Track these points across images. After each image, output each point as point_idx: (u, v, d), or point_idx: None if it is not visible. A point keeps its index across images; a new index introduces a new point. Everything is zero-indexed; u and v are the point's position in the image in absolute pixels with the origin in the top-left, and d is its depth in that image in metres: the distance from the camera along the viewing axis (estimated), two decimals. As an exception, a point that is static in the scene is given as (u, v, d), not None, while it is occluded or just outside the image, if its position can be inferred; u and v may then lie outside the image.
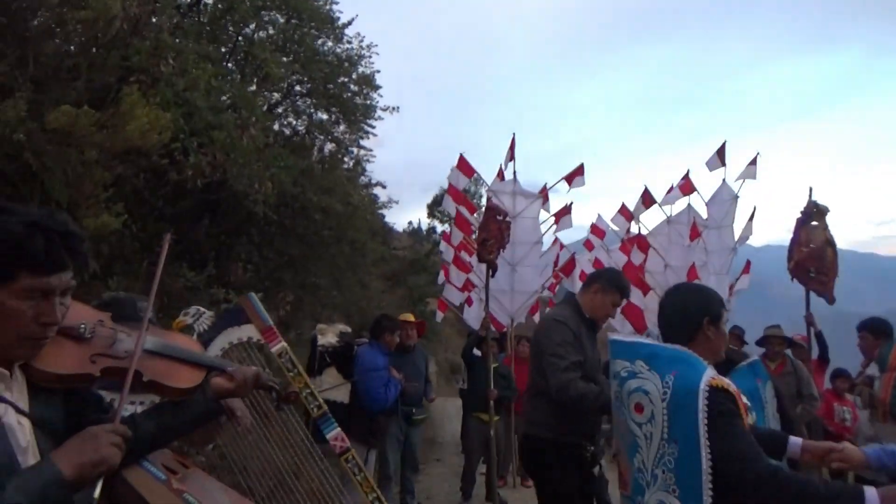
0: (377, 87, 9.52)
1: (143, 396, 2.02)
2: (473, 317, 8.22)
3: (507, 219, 6.17)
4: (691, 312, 2.17)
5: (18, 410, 1.48)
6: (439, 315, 9.60)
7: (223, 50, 8.71)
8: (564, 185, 7.76)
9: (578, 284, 5.80)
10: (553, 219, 8.14)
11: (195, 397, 1.82)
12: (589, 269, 7.36)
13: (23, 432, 1.48)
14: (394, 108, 10.07)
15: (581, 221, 9.18)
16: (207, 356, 1.94)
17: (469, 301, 8.44)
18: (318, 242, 8.31)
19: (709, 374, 1.93)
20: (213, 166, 5.54)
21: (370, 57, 9.55)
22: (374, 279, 12.71)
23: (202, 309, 2.41)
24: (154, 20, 5.55)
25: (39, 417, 1.52)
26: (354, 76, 9.22)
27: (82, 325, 1.65)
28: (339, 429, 2.22)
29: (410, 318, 6.29)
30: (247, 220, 7.69)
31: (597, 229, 8.88)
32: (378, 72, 9.49)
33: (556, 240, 8.86)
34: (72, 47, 5.26)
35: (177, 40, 6.05)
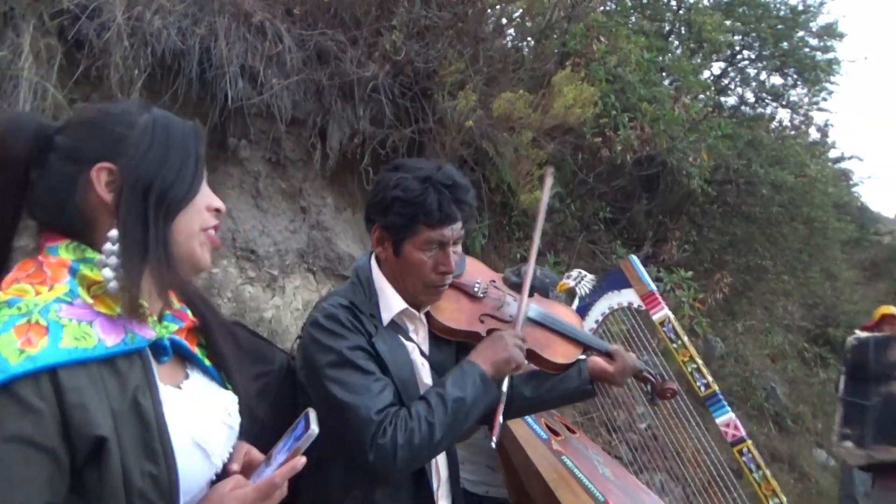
0: (842, 36, 7.99)
1: None
2: None
3: None
4: None
5: (422, 352, 1.63)
6: None
7: (666, 26, 8.52)
8: None
9: None
10: None
11: (570, 374, 1.77)
12: None
13: (425, 372, 1.64)
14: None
15: None
16: (587, 334, 1.87)
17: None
18: (765, 221, 7.44)
19: None
20: (643, 140, 5.43)
21: (827, 2, 8.09)
22: (846, 268, 10.83)
23: (584, 272, 2.33)
24: (589, 3, 5.70)
25: (437, 363, 1.66)
26: (814, 27, 7.92)
27: (476, 285, 1.74)
28: (731, 413, 1.86)
29: (895, 311, 5.14)
30: (686, 197, 7.39)
31: None
32: (844, 16, 7.97)
33: None
34: (517, 43, 5.81)
35: (609, 20, 6.11)
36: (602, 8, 6.26)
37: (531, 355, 1.74)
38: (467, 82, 4.67)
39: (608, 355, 1.80)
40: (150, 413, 0.93)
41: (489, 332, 1.69)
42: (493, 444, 1.51)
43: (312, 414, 1.03)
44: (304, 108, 3.95)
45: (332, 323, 1.50)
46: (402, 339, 1.59)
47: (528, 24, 5.75)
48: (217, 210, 1.09)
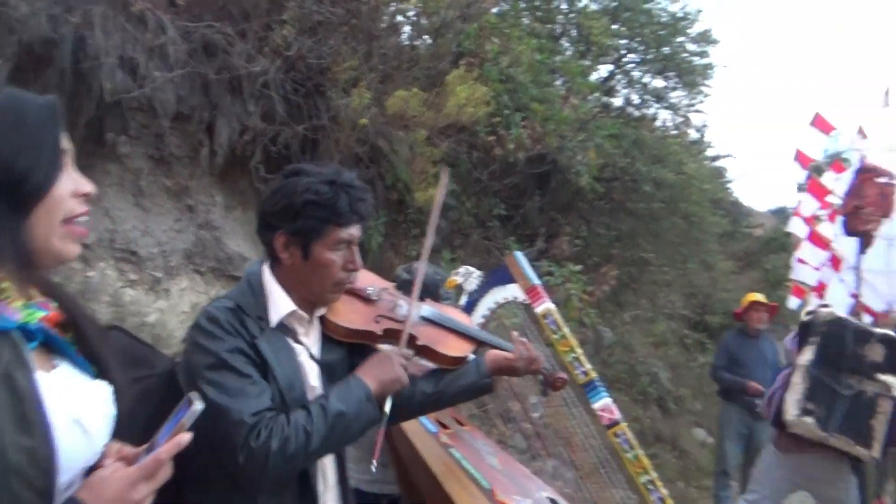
0: (715, 42, 8.62)
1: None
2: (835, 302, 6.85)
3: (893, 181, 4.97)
4: None
5: (311, 356, 1.63)
6: (793, 301, 8.24)
7: (557, 28, 8.82)
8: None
9: None
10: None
11: (468, 369, 1.83)
12: None
13: (313, 374, 1.63)
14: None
15: None
16: (479, 331, 1.96)
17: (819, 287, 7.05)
18: (648, 216, 7.91)
19: None
20: (534, 139, 5.62)
21: (703, 10, 8.73)
22: (721, 259, 11.62)
23: (472, 269, 2.40)
24: (482, 3, 5.81)
25: (327, 364, 1.66)
26: (692, 34, 8.48)
27: (370, 288, 1.77)
28: (608, 399, 1.98)
29: (760, 298, 5.61)
30: (576, 194, 7.70)
31: None
32: (717, 21, 8.61)
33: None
34: (412, 41, 5.86)
35: (502, 21, 6.27)
36: (495, 9, 6.42)
37: (426, 351, 1.79)
38: (361, 79, 4.66)
39: (503, 349, 1.89)
40: (23, 385, 0.88)
41: (385, 331, 1.74)
42: (373, 468, 1.56)
43: (195, 395, 1.01)
44: (189, 103, 3.81)
45: (212, 325, 1.49)
46: (291, 342, 1.60)
47: (424, 22, 5.81)
48: (85, 195, 1.01)
